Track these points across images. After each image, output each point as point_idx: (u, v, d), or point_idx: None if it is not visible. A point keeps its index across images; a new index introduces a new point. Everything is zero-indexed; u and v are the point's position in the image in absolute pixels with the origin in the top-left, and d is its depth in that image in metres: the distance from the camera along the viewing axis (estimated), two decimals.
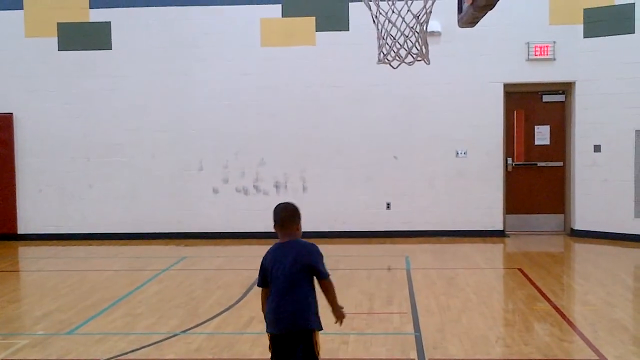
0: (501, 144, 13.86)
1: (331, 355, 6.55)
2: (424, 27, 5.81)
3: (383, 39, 5.86)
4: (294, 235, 4.97)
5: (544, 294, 9.07)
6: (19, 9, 14.01)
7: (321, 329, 4.93)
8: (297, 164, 13.99)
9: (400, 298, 8.98)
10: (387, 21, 5.77)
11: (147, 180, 14.19)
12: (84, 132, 14.21)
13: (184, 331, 7.58)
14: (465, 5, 5.88)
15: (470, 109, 13.76)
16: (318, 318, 4.91)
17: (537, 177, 14.22)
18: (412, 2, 5.60)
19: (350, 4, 13.45)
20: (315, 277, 4.91)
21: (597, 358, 6.51)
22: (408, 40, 5.80)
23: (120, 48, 14.04)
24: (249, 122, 14.02)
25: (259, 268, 4.99)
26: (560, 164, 14.14)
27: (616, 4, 12.96)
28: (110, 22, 14.00)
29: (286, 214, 4.99)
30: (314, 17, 13.71)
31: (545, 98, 14.16)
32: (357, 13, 12.59)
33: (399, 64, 5.93)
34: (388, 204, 14.02)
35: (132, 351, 6.88)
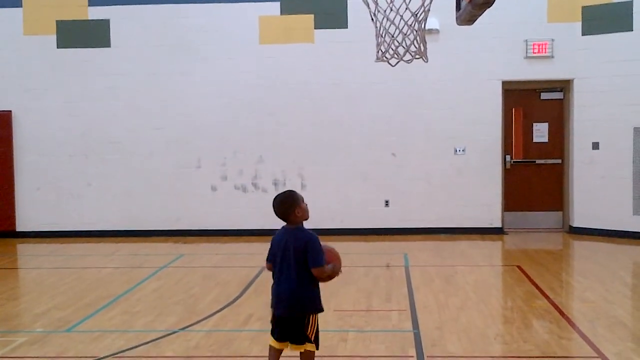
0: (499, 141, 13.87)
1: (330, 352, 6.56)
2: (422, 25, 5.81)
3: (381, 36, 5.86)
4: (296, 222, 5.38)
5: (542, 291, 9.08)
6: (18, 7, 14.00)
7: (319, 312, 5.41)
8: (296, 161, 14.00)
9: (399, 295, 8.99)
10: (385, 19, 5.76)
11: (146, 178, 14.19)
12: (82, 130, 14.21)
13: (182, 328, 7.58)
14: (464, 3, 5.88)
15: (468, 106, 13.77)
16: (314, 302, 5.39)
17: (535, 174, 14.23)
18: (410, 0, 5.60)
19: (348, 1, 13.46)
20: None
21: (596, 355, 6.52)
22: (406, 38, 5.80)
23: (119, 46, 14.03)
24: (247, 119, 14.02)
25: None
26: (559, 161, 14.15)
27: (614, 1, 12.97)
28: (109, 19, 14.00)
29: (280, 208, 5.39)
30: (313, 15, 13.71)
31: (544, 95, 14.17)
32: (356, 10, 12.59)
33: (398, 62, 5.93)
34: (387, 202, 14.03)
35: (131, 349, 6.89)
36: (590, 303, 8.51)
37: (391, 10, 5.70)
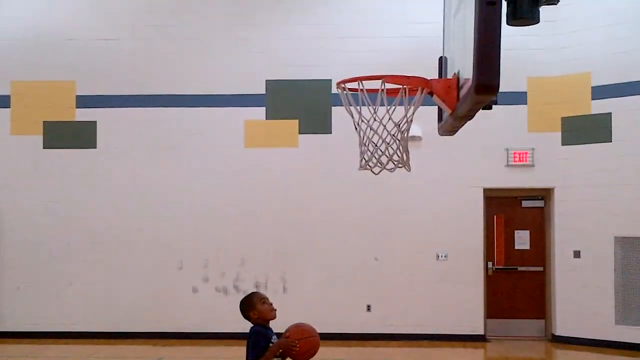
0: (481, 248, 13.93)
1: None
2: (405, 135, 5.93)
3: (365, 145, 5.96)
4: (255, 322, 5.54)
5: None
6: (6, 108, 14.19)
7: None
8: (278, 264, 13.97)
9: None
10: (369, 128, 5.88)
11: (126, 279, 14.08)
12: (64, 230, 14.16)
13: None
14: (445, 115, 6.01)
15: (450, 212, 13.86)
16: None
17: (517, 281, 14.25)
18: (393, 110, 5.72)
19: (333, 108, 13.69)
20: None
21: None
22: (389, 148, 5.91)
23: (104, 147, 14.15)
24: (230, 221, 14.05)
25: None
26: (541, 268, 14.20)
27: (593, 113, 13.27)
28: (95, 121, 14.17)
29: (240, 311, 5.61)
30: (297, 120, 13.95)
31: (525, 203, 14.33)
32: (340, 117, 12.79)
33: (380, 170, 6.02)
34: (368, 306, 13.96)
35: None
36: None
37: (374, 120, 5.81)
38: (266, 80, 14.09)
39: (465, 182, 13.88)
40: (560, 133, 13.63)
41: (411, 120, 5.84)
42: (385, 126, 5.84)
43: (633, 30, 13.05)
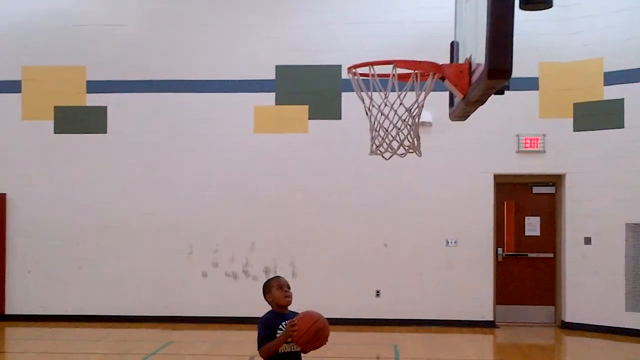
0: (491, 234, 13.90)
1: None
2: (416, 120, 5.91)
3: (376, 130, 5.94)
4: (270, 305, 5.57)
5: None
6: (17, 92, 14.21)
7: None
8: (287, 250, 13.99)
9: None
10: (379, 113, 5.86)
11: (136, 264, 14.13)
12: (74, 215, 14.21)
13: None
14: (457, 100, 5.98)
15: (460, 199, 13.83)
16: None
17: (527, 268, 14.22)
18: (404, 95, 5.70)
19: (343, 93, 13.66)
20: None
21: None
22: (400, 133, 5.88)
23: (115, 132, 14.17)
24: (239, 207, 14.06)
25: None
26: (551, 255, 14.17)
27: (605, 98, 13.19)
28: (106, 107, 14.18)
29: (263, 294, 5.62)
30: (307, 106, 13.93)
31: (535, 189, 14.27)
32: (350, 103, 12.76)
33: (391, 156, 6.00)
34: (377, 292, 13.96)
35: None
36: None
37: (385, 105, 5.79)
38: (276, 66, 14.05)
39: (475, 167, 13.84)
40: (572, 119, 13.55)
41: (422, 106, 5.83)
42: (396, 111, 5.82)
43: None
